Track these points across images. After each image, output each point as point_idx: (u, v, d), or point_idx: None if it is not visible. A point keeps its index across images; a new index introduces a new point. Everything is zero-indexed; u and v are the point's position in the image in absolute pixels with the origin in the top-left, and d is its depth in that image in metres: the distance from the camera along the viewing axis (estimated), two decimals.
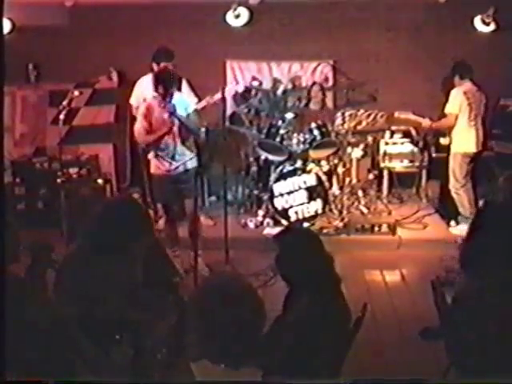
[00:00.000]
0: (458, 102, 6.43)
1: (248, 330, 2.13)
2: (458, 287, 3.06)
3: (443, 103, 6.58)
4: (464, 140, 6.50)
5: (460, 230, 6.63)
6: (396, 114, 6.65)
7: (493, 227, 2.79)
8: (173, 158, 5.40)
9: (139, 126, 5.43)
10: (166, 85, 5.29)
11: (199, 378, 2.10)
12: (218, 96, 5.64)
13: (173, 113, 5.23)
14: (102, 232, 3.16)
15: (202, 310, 2.14)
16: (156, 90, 5.37)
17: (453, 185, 6.60)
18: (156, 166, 5.50)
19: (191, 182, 5.24)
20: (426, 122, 6.63)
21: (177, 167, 5.39)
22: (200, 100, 6.22)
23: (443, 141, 6.93)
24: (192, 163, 5.44)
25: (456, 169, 6.55)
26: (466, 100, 6.43)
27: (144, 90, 6.50)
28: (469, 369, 2.69)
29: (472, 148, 6.52)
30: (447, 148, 6.76)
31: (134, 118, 6.67)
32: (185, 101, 5.58)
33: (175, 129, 5.35)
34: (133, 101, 6.72)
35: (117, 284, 3.08)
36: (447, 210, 6.88)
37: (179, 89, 5.83)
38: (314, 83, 7.22)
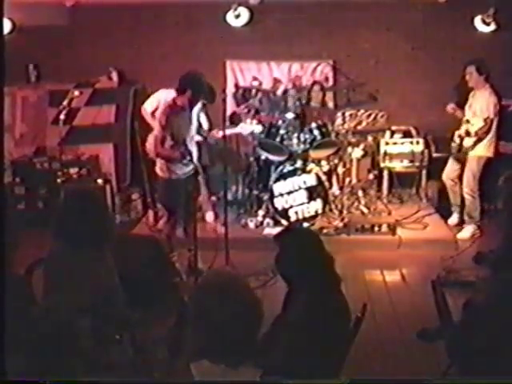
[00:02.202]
0: (492, 104, 6.32)
1: (246, 329, 2.13)
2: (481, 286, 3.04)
3: (462, 105, 6.53)
4: (492, 144, 6.44)
5: (471, 231, 6.60)
6: (466, 118, 6.43)
7: None
8: (186, 161, 5.30)
9: (157, 134, 5.17)
10: (194, 90, 5.06)
11: (199, 378, 2.10)
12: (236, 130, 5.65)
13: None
14: (65, 227, 3.18)
15: (200, 309, 2.14)
16: (182, 93, 5.10)
17: (471, 188, 6.53)
18: (168, 169, 5.29)
19: (199, 182, 5.25)
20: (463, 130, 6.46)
21: (190, 170, 5.34)
22: None
23: (468, 142, 6.48)
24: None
25: (477, 172, 6.47)
26: (498, 104, 6.37)
27: (161, 100, 6.47)
28: (472, 368, 2.69)
29: (493, 152, 6.48)
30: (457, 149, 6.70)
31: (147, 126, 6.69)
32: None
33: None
34: (147, 106, 6.54)
35: (91, 278, 3.08)
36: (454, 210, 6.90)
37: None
38: (315, 83, 7.22)
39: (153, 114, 6.49)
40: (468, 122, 6.42)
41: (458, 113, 6.53)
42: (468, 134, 6.37)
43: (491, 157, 6.49)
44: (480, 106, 6.36)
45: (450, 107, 6.56)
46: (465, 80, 6.50)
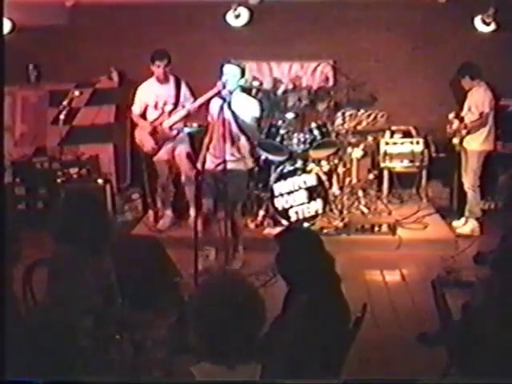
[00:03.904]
0: (488, 99, 6.43)
1: (248, 329, 2.12)
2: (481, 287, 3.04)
3: (457, 103, 6.64)
4: (488, 138, 6.52)
5: (471, 227, 6.62)
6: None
7: None
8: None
9: None
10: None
11: (199, 378, 2.10)
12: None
13: None
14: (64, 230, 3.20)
15: (201, 309, 2.14)
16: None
17: (472, 183, 6.59)
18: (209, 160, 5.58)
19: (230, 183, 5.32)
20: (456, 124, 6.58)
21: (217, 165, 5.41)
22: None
23: (456, 140, 6.68)
24: (238, 165, 5.58)
25: (477, 167, 6.53)
26: (493, 99, 6.47)
27: (145, 96, 6.54)
28: (472, 368, 2.69)
29: (491, 146, 6.56)
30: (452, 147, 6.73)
31: (135, 125, 6.73)
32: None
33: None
34: (135, 109, 6.64)
35: (91, 278, 3.09)
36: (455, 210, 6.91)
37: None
38: (320, 88, 7.25)
39: (142, 115, 6.57)
40: (462, 118, 6.52)
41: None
42: (459, 130, 6.49)
43: (491, 150, 6.57)
44: (475, 101, 6.46)
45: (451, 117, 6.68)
46: (458, 80, 6.64)
